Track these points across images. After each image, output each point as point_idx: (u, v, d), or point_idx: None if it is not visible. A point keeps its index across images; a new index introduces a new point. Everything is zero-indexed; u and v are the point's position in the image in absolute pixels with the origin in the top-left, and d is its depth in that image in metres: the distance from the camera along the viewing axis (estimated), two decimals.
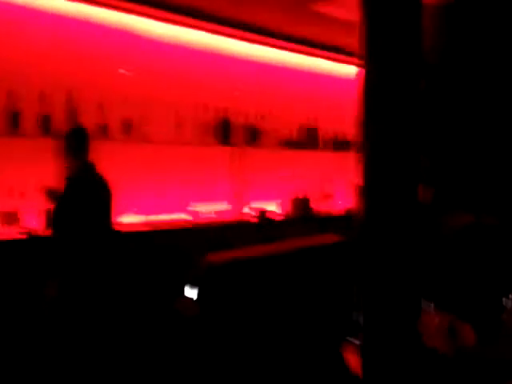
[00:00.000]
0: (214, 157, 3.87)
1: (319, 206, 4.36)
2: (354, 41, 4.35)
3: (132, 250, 3.03)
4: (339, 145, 4.60)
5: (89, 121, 3.02)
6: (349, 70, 4.96)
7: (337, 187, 4.60)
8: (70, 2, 3.13)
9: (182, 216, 3.56)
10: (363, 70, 1.83)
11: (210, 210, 3.72)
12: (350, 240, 1.46)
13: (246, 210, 3.96)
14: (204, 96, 3.73)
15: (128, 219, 3.25)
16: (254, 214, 3.91)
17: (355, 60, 4.84)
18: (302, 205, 4.21)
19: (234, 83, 4.01)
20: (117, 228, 2.88)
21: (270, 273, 1.16)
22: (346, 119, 4.71)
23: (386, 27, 1.75)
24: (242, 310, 1.10)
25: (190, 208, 3.60)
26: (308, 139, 4.39)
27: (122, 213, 3.14)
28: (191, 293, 1.92)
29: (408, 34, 1.76)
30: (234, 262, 1.08)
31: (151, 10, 3.37)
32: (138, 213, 3.32)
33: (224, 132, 3.80)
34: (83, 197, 2.59)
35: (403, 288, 1.49)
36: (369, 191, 1.67)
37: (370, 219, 1.54)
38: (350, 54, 4.66)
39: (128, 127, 3.27)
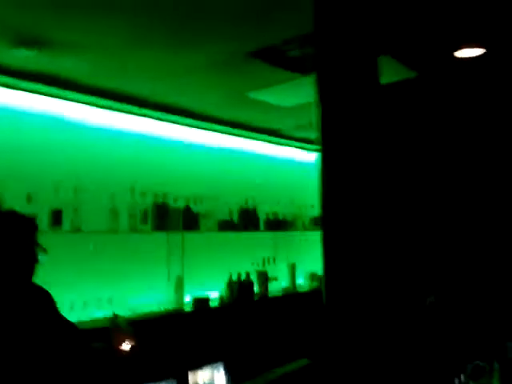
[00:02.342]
0: (152, 244, 3.69)
1: (262, 289, 4.25)
2: (286, 124, 4.52)
3: None
4: (279, 224, 4.60)
5: None
6: (284, 152, 5.10)
7: (278, 267, 4.53)
8: None
9: (119, 311, 3.29)
10: (321, 153, 1.85)
11: (149, 301, 3.49)
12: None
13: (186, 298, 3.76)
14: (140, 181, 3.61)
15: None
16: (194, 302, 3.72)
17: (290, 141, 5.00)
18: (242, 288, 4.08)
19: (171, 167, 3.95)
20: None
21: None
22: (284, 199, 4.78)
23: (341, 109, 1.78)
24: None
25: (126, 302, 3.35)
26: (247, 220, 4.35)
27: None
28: None
29: (365, 115, 1.79)
30: None
31: (87, 98, 3.32)
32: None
33: (161, 217, 3.67)
34: None
35: None
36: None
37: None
38: (284, 136, 4.81)
39: (58, 217, 3.06)
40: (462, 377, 2.50)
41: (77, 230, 3.14)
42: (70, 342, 2.00)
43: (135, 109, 3.62)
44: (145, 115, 3.77)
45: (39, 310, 1.92)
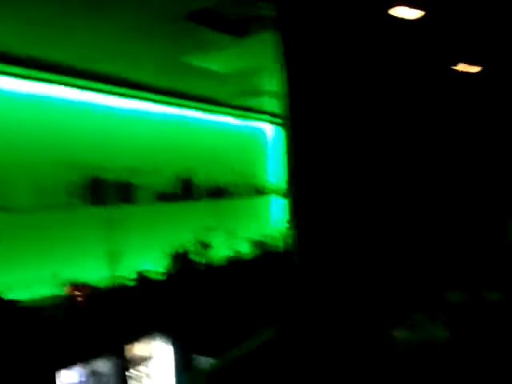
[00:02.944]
0: (88, 219, 3.53)
1: (204, 258, 4.23)
2: (224, 91, 4.44)
3: None
4: (216, 194, 4.57)
5: None
6: (223, 119, 5.03)
7: (220, 236, 4.52)
8: None
9: (53, 291, 3.15)
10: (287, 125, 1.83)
11: (88, 277, 3.36)
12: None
13: (124, 272, 3.66)
14: (72, 155, 3.42)
15: None
16: (133, 276, 3.64)
17: (229, 109, 4.93)
18: (184, 260, 4.05)
19: (105, 139, 3.77)
20: None
21: None
22: (224, 167, 4.74)
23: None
24: None
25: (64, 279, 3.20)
26: (184, 191, 4.28)
27: None
28: None
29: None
30: None
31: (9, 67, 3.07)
32: None
33: (96, 191, 3.51)
34: None
35: None
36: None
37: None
38: (221, 104, 4.73)
39: None
40: (399, 328, 2.63)
41: (6, 209, 2.93)
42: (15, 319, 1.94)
43: (64, 78, 3.38)
44: (76, 85, 3.54)
45: None
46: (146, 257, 3.88)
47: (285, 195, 5.13)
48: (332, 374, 2.31)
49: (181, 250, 4.03)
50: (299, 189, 2.03)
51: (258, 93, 4.30)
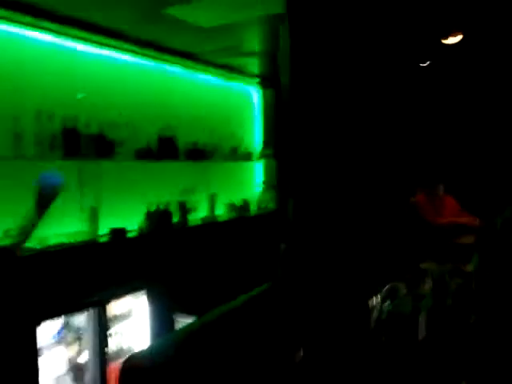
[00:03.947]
0: (62, 172, 3.43)
1: (181, 219, 4.18)
2: (206, 47, 4.28)
3: None
4: (198, 154, 4.48)
5: None
6: (205, 78, 4.88)
7: (198, 198, 4.46)
8: None
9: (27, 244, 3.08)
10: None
11: (61, 232, 3.29)
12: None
13: (101, 229, 3.60)
14: (47, 104, 3.28)
15: None
16: (110, 233, 3.58)
17: (210, 67, 4.78)
18: (162, 219, 3.99)
19: (81, 89, 3.62)
20: None
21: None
22: (204, 128, 4.64)
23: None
24: None
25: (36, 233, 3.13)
26: (166, 149, 4.18)
27: None
28: None
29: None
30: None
31: None
32: None
33: (72, 144, 3.39)
34: None
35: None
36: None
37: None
38: (204, 61, 4.57)
39: None
40: (377, 298, 2.64)
41: None
42: None
43: (42, 22, 3.22)
44: (54, 30, 3.36)
45: None
46: (123, 215, 3.82)
47: (269, 158, 5.05)
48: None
49: (158, 209, 3.96)
50: (285, 152, 1.98)
51: (243, 52, 4.16)
